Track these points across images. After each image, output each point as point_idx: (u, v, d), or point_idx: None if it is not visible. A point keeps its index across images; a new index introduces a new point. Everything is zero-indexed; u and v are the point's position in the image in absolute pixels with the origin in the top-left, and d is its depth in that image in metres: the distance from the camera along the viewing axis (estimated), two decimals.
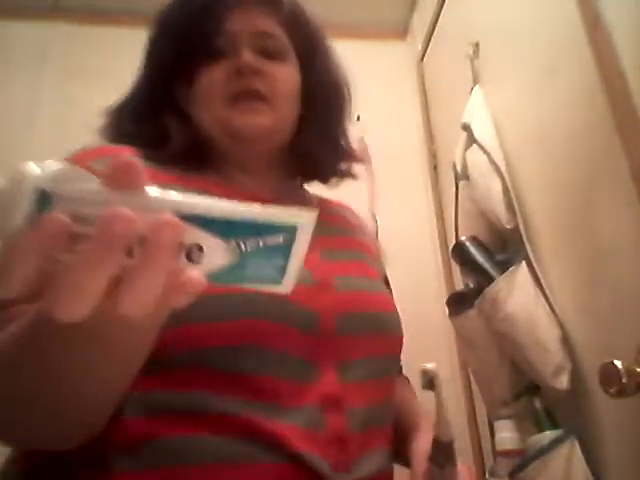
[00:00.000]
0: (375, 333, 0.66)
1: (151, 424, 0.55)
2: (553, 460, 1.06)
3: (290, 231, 0.34)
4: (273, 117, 0.76)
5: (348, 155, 0.85)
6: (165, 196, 0.32)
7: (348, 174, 0.86)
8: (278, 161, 0.81)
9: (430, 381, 0.60)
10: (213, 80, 0.75)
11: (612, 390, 0.83)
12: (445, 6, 1.78)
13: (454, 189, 1.48)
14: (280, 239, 0.34)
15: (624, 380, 0.81)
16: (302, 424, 0.57)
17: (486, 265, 1.26)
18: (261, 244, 0.34)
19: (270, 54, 0.77)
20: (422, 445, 0.65)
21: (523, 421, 1.20)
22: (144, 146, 0.73)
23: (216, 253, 0.33)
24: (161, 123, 0.77)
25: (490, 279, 1.22)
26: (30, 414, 0.48)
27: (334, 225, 0.80)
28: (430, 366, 0.61)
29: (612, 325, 0.98)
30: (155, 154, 0.71)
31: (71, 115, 1.81)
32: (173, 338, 0.53)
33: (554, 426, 1.11)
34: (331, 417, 0.59)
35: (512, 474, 1.12)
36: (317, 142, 0.82)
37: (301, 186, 0.87)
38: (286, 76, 0.79)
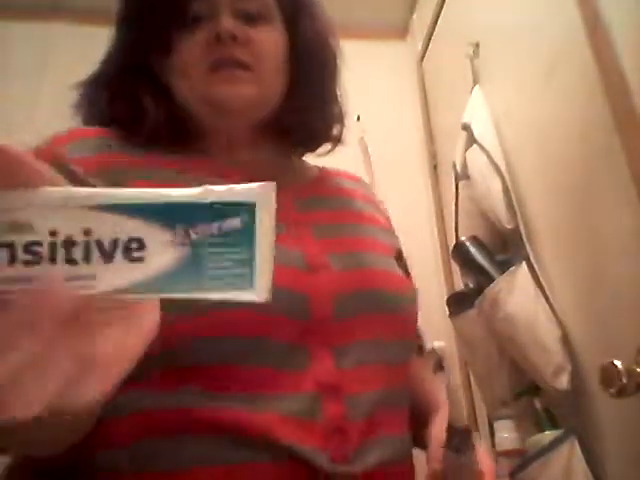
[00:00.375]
0: (378, 314, 0.61)
1: (132, 428, 0.52)
2: (553, 460, 1.06)
3: (248, 211, 0.27)
4: (258, 86, 0.70)
5: (340, 119, 0.79)
6: (77, 191, 0.27)
7: (339, 140, 0.79)
8: (267, 131, 0.74)
9: (438, 362, 0.58)
10: (191, 48, 0.69)
11: (612, 390, 0.83)
12: (445, 6, 1.78)
13: (454, 189, 1.49)
14: (237, 222, 0.27)
15: (624, 380, 0.81)
16: (293, 413, 0.53)
17: (486, 265, 1.26)
18: (215, 230, 0.27)
19: (252, 17, 0.71)
20: (438, 430, 0.62)
21: (523, 421, 1.20)
22: (119, 125, 0.68)
23: (160, 246, 0.26)
24: (136, 99, 0.70)
25: (490, 279, 1.22)
26: None
27: (334, 197, 0.74)
28: (438, 344, 0.58)
29: (612, 325, 0.98)
30: (130, 134, 0.67)
31: (71, 116, 1.81)
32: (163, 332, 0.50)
33: (554, 426, 1.11)
34: (328, 405, 0.55)
35: (512, 474, 1.12)
36: (307, 106, 0.75)
37: (299, 157, 0.80)
38: (270, 41, 0.72)
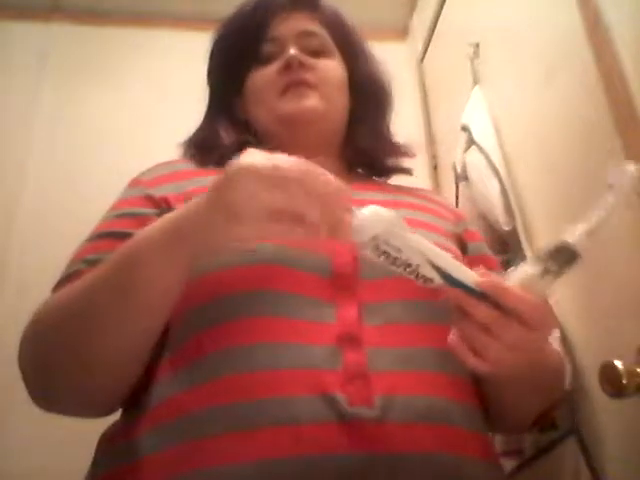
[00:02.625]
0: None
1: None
2: (552, 460, 1.06)
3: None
4: (322, 101, 0.80)
5: (398, 149, 0.89)
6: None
7: (401, 169, 0.89)
8: (335, 152, 0.84)
9: None
10: (264, 77, 0.81)
11: (612, 390, 0.83)
12: (445, 6, 1.78)
13: (455, 190, 1.48)
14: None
15: (624, 380, 0.80)
16: (311, 365, 0.56)
17: None
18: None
19: (315, 51, 0.83)
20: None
21: None
22: (196, 154, 0.81)
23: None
24: (213, 131, 0.83)
25: None
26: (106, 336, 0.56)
27: (381, 192, 0.81)
28: None
29: (612, 325, 0.98)
30: (206, 158, 0.79)
31: (71, 116, 1.81)
32: (192, 289, 0.58)
33: (554, 426, 1.11)
34: (348, 355, 0.57)
35: (512, 474, 1.12)
36: (368, 134, 0.85)
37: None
38: (332, 67, 0.84)
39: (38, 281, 0.69)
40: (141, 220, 0.69)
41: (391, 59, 2.27)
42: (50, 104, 1.82)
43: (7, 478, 1.26)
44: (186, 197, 0.71)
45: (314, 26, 0.86)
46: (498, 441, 1.21)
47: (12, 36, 1.90)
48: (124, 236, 0.67)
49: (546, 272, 0.53)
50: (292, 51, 0.80)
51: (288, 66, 0.79)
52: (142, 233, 0.57)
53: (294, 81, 0.79)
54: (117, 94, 1.85)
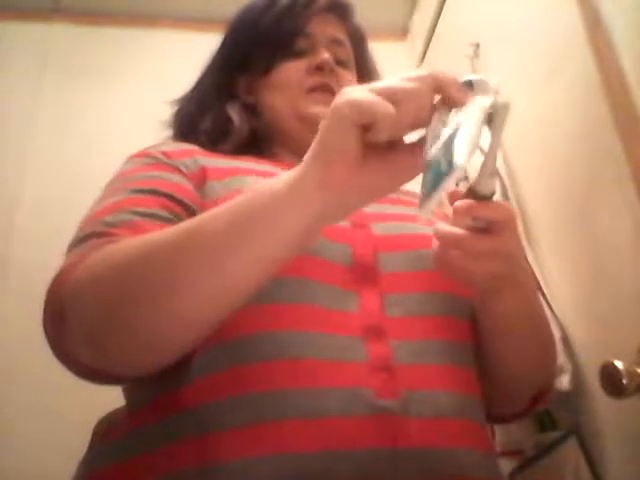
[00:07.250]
0: (423, 270, 0.64)
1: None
2: (553, 460, 1.06)
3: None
4: None
5: None
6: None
7: None
8: None
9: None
10: (293, 72, 0.83)
11: (612, 390, 0.83)
12: (445, 6, 1.78)
13: None
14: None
15: (624, 380, 0.81)
16: (335, 356, 0.55)
17: None
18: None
19: (340, 62, 0.86)
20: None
21: (523, 422, 1.20)
22: (206, 137, 0.80)
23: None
24: (224, 114, 0.83)
25: None
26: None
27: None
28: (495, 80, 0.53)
29: (612, 325, 0.98)
30: (216, 145, 0.78)
31: (72, 117, 1.81)
32: None
33: (554, 427, 1.11)
34: (372, 347, 0.57)
35: (512, 474, 1.12)
36: None
37: None
38: (352, 82, 0.86)
39: (40, 279, 0.68)
40: (172, 184, 0.66)
41: (391, 59, 2.28)
42: (51, 105, 1.82)
43: (7, 478, 1.26)
44: (200, 174, 0.69)
45: (343, 36, 0.89)
46: (499, 441, 1.21)
47: (13, 37, 1.90)
48: (165, 195, 0.64)
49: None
50: (326, 55, 0.82)
51: (320, 68, 0.82)
52: (249, 195, 0.51)
53: (322, 85, 0.82)
54: (118, 95, 1.85)
